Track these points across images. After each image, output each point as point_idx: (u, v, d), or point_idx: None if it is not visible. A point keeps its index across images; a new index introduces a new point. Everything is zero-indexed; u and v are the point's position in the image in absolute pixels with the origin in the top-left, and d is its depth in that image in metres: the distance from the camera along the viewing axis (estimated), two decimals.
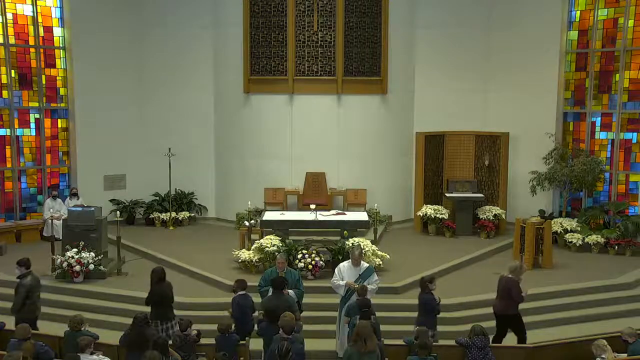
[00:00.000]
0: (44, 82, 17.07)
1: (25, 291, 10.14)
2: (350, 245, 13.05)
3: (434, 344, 8.93)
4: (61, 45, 17.25)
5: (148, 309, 10.07)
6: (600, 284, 13.11)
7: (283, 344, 7.87)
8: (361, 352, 7.92)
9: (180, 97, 18.02)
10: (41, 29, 16.92)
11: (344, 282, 10.28)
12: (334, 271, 10.67)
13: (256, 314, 9.85)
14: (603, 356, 8.49)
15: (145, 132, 18.13)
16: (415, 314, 10.26)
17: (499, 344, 10.01)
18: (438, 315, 10.09)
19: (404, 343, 9.19)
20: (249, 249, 13.75)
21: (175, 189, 18.06)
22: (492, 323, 10.64)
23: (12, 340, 8.75)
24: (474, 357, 8.81)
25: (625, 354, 8.88)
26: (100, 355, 8.53)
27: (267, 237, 13.74)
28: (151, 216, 17.85)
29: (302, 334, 8.85)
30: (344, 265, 10.56)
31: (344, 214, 15.08)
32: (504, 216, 16.77)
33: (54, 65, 17.22)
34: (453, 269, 14.04)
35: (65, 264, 12.94)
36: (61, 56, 17.31)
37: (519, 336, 10.37)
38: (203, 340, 9.26)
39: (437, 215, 16.61)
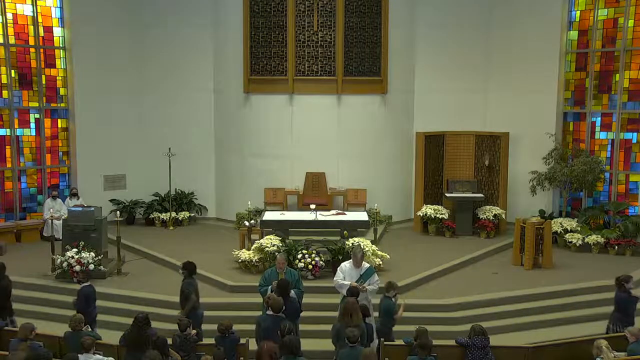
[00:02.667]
0: (44, 82, 17.08)
1: None
2: (350, 245, 13.06)
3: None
4: (61, 45, 17.26)
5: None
6: (600, 284, 13.09)
7: (285, 324, 8.40)
8: (348, 326, 8.59)
9: (180, 97, 18.03)
10: (41, 29, 16.92)
11: (348, 281, 10.25)
12: (334, 271, 10.67)
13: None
14: (601, 357, 8.48)
15: (145, 132, 18.13)
16: (415, 314, 10.27)
17: None
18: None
19: (404, 343, 9.20)
20: (249, 249, 13.75)
21: (175, 189, 18.06)
22: (492, 323, 10.65)
23: (12, 340, 8.76)
24: (474, 357, 8.81)
25: (624, 353, 8.87)
26: (102, 356, 8.53)
27: (267, 237, 13.74)
28: (151, 216, 17.85)
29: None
30: (346, 265, 10.56)
31: (344, 214, 15.09)
32: (504, 216, 16.76)
33: (54, 65, 17.22)
34: (453, 269, 14.03)
35: (65, 264, 12.93)
36: (61, 56, 17.32)
37: None
38: (203, 340, 9.26)
39: (437, 215, 16.60)
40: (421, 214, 16.80)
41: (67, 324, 9.19)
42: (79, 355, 8.29)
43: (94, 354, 8.43)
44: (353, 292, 9.60)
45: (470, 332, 8.97)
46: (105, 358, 8.50)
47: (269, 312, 9.00)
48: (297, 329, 9.65)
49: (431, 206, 16.83)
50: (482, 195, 17.06)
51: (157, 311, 11.61)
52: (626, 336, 9.03)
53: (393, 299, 9.96)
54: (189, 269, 10.44)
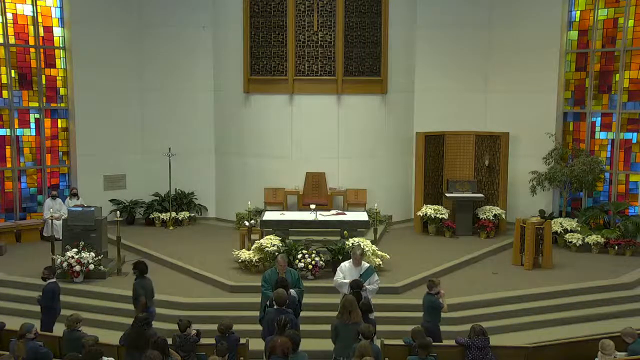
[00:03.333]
0: (44, 82, 17.07)
1: None
2: (350, 245, 13.06)
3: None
4: (61, 45, 17.25)
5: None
6: (600, 284, 13.11)
7: (281, 317, 8.39)
8: (346, 324, 8.76)
9: (180, 97, 18.03)
10: (41, 29, 16.91)
11: (348, 280, 10.24)
12: (334, 271, 10.67)
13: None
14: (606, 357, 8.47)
15: (145, 132, 18.13)
16: (415, 314, 10.27)
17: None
18: None
19: (404, 343, 9.20)
20: (249, 249, 13.75)
21: (175, 189, 18.06)
22: (492, 323, 10.65)
23: (12, 340, 8.75)
24: (474, 357, 8.81)
25: (625, 353, 8.87)
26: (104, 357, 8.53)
27: (267, 237, 13.74)
28: (151, 216, 17.85)
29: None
30: (345, 265, 10.56)
31: (344, 214, 15.08)
32: (504, 216, 16.76)
33: (54, 65, 17.22)
34: (453, 269, 14.03)
35: (65, 264, 12.94)
36: (61, 56, 17.31)
37: None
38: (203, 340, 9.26)
39: (437, 215, 16.60)
40: (421, 214, 16.79)
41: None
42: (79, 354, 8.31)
43: None
44: (357, 284, 9.65)
45: (470, 332, 8.98)
46: (107, 358, 8.50)
47: (275, 307, 9.11)
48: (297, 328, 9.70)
49: (431, 206, 16.83)
50: (482, 195, 17.06)
51: (157, 311, 11.55)
52: (623, 338, 9.02)
53: (436, 296, 9.98)
54: (140, 268, 10.52)
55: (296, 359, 7.88)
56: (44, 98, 17.10)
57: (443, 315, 10.20)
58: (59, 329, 10.04)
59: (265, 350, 8.32)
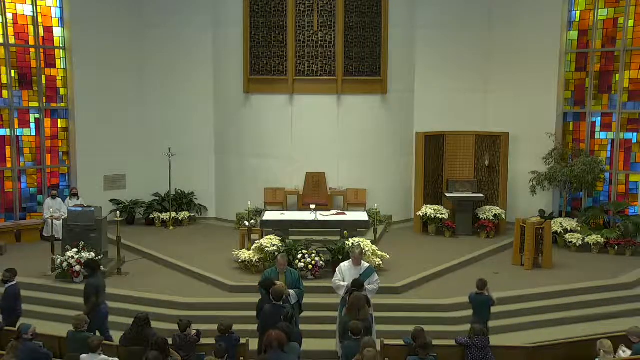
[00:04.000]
0: (44, 82, 17.07)
1: None
2: (350, 245, 13.06)
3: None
4: (61, 45, 17.26)
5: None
6: (600, 284, 13.10)
7: (288, 310, 8.84)
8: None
9: (180, 97, 18.03)
10: (41, 29, 16.92)
11: (345, 282, 10.26)
12: (334, 271, 10.66)
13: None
14: (607, 357, 8.47)
15: (145, 132, 18.13)
16: (415, 314, 10.27)
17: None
18: None
19: (404, 343, 9.20)
20: (249, 249, 13.75)
21: (175, 189, 18.07)
22: (492, 323, 10.64)
23: (12, 340, 8.75)
24: (474, 357, 8.81)
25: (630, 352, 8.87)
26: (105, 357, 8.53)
27: (267, 237, 13.74)
28: (151, 216, 17.85)
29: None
30: (345, 265, 10.56)
31: (344, 214, 15.08)
32: (504, 216, 16.77)
33: (54, 65, 17.22)
34: (453, 269, 14.03)
35: (65, 264, 12.94)
36: (61, 56, 17.32)
37: None
38: (203, 340, 9.26)
39: (437, 215, 16.60)
40: (421, 214, 16.80)
41: (68, 324, 9.20)
42: (84, 355, 8.30)
43: (99, 354, 8.43)
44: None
45: (470, 332, 8.98)
46: (111, 358, 8.50)
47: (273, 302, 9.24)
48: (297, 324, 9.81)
49: (431, 206, 16.84)
50: (482, 195, 17.07)
51: (157, 311, 11.59)
52: (629, 338, 9.02)
53: (487, 294, 10.18)
54: (92, 266, 10.62)
55: (289, 350, 8.06)
56: (44, 98, 17.10)
57: (443, 315, 10.22)
58: (61, 330, 10.05)
59: (260, 342, 8.54)
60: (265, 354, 7.95)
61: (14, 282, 10.48)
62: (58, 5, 17.10)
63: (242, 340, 9.28)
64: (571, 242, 15.57)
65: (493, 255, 15.21)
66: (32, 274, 13.22)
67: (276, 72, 16.95)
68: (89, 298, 10.24)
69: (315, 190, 16.86)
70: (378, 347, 8.84)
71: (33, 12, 16.73)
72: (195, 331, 9.15)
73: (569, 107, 17.30)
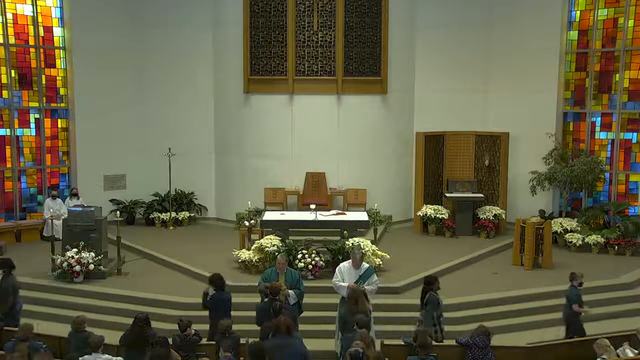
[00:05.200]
0: (44, 82, 17.07)
1: None
2: (350, 245, 13.05)
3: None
4: (61, 45, 17.25)
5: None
6: (600, 284, 13.10)
7: (276, 304, 8.96)
8: (353, 313, 8.95)
9: (180, 97, 18.03)
10: (41, 29, 16.92)
11: (346, 283, 10.25)
12: (334, 271, 10.66)
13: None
14: (604, 356, 8.47)
15: (145, 132, 18.12)
16: (415, 314, 10.26)
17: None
18: None
19: (403, 343, 9.20)
20: (249, 249, 13.75)
21: (175, 189, 18.06)
22: (492, 323, 10.64)
23: (10, 340, 8.75)
24: (475, 357, 8.82)
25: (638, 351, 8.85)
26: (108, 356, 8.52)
27: (267, 237, 13.74)
28: (151, 216, 17.85)
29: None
30: (344, 265, 10.55)
31: (344, 214, 15.08)
32: (504, 216, 16.76)
33: (54, 65, 17.22)
34: (453, 269, 14.03)
35: (65, 264, 12.94)
36: (61, 56, 17.32)
37: None
38: (203, 340, 9.26)
39: (437, 215, 16.60)
40: (421, 214, 16.79)
41: (68, 324, 9.20)
42: (87, 355, 8.29)
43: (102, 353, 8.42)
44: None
45: (474, 331, 8.99)
46: (114, 358, 8.49)
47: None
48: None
49: (431, 206, 16.83)
50: (482, 195, 17.07)
51: (157, 311, 11.60)
52: (638, 336, 9.01)
53: (578, 288, 10.26)
54: (9, 264, 10.61)
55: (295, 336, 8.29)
56: (44, 98, 17.10)
57: (443, 315, 10.20)
58: (60, 330, 10.05)
59: (261, 332, 8.75)
60: (274, 337, 8.11)
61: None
62: (58, 5, 17.11)
63: (242, 340, 9.28)
64: (571, 242, 15.56)
65: (493, 255, 15.21)
66: (32, 274, 13.22)
67: (276, 72, 16.95)
68: (7, 298, 10.29)
69: (315, 190, 16.86)
70: (378, 347, 8.85)
71: (33, 12, 16.73)
72: (194, 331, 9.15)
73: (569, 107, 17.30)
